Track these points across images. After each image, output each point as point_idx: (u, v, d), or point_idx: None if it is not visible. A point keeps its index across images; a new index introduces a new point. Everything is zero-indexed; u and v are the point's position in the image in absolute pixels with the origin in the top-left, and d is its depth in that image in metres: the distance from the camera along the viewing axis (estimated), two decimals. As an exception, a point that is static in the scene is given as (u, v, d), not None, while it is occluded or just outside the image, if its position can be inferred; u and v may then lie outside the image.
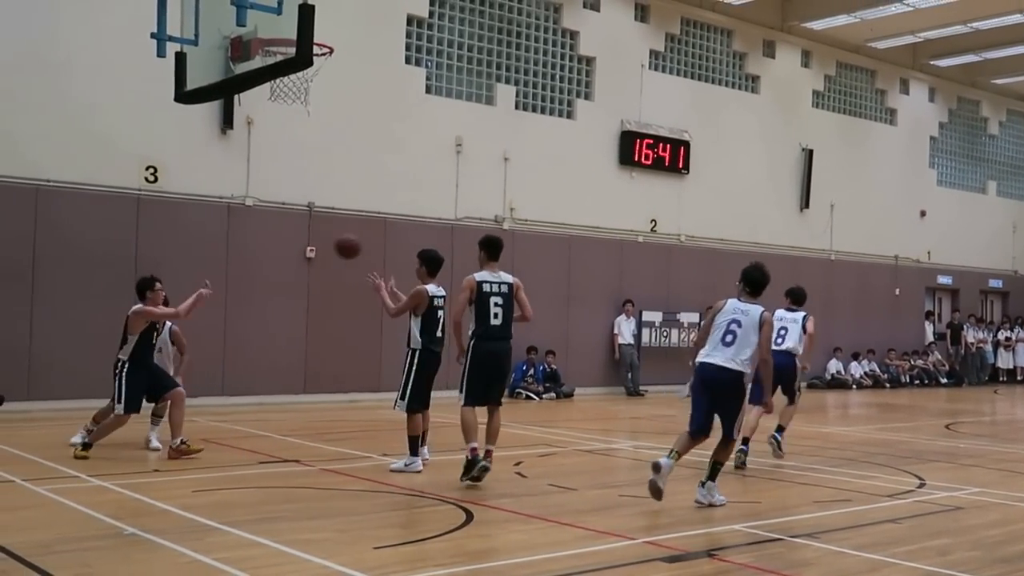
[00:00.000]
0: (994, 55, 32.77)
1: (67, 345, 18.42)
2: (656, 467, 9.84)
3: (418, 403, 11.95)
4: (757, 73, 29.01)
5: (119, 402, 12.63)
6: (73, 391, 18.07)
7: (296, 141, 20.78)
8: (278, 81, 12.55)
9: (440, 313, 12.00)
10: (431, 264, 12.16)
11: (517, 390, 23.20)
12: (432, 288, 12.01)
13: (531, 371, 23.66)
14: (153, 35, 11.86)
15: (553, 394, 23.56)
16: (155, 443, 13.42)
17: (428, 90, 22.92)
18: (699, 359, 10.29)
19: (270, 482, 11.16)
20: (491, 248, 11.33)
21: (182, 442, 12.64)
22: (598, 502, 10.42)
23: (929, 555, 8.23)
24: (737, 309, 10.30)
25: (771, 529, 9.00)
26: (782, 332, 13.65)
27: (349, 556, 7.56)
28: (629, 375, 25.32)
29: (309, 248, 20.88)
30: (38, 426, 16.02)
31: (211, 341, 19.27)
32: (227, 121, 20.17)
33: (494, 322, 11.05)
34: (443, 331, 12.10)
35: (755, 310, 10.27)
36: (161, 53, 11.92)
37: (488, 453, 10.97)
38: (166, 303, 13.23)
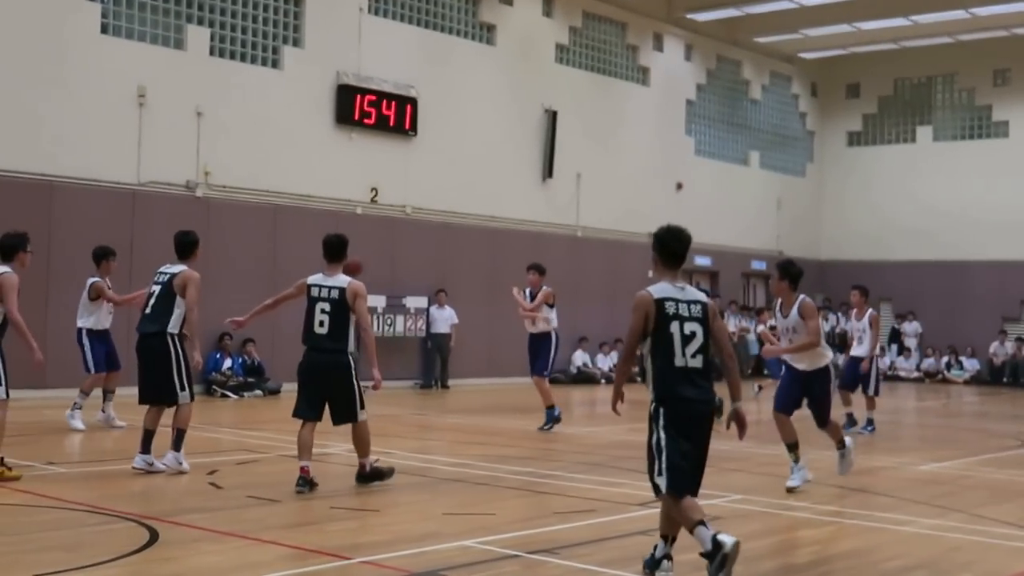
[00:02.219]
0: (756, 10, 33.98)
1: None
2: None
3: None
4: (493, 22, 29.34)
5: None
6: None
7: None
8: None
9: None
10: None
11: (213, 387, 22.81)
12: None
13: (227, 363, 23.26)
14: None
15: (258, 391, 23.31)
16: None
17: (104, 29, 22.21)
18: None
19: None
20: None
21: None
22: (306, 516, 10.44)
23: (683, 570, 8.41)
24: None
25: (507, 545, 9.11)
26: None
27: (1, 587, 7.34)
28: (347, 369, 25.20)
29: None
30: None
31: None
32: None
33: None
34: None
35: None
36: None
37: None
38: None
